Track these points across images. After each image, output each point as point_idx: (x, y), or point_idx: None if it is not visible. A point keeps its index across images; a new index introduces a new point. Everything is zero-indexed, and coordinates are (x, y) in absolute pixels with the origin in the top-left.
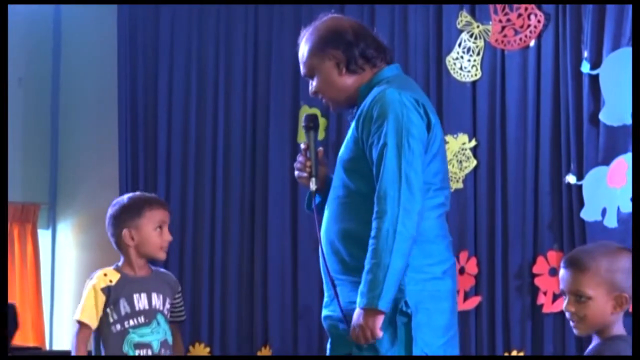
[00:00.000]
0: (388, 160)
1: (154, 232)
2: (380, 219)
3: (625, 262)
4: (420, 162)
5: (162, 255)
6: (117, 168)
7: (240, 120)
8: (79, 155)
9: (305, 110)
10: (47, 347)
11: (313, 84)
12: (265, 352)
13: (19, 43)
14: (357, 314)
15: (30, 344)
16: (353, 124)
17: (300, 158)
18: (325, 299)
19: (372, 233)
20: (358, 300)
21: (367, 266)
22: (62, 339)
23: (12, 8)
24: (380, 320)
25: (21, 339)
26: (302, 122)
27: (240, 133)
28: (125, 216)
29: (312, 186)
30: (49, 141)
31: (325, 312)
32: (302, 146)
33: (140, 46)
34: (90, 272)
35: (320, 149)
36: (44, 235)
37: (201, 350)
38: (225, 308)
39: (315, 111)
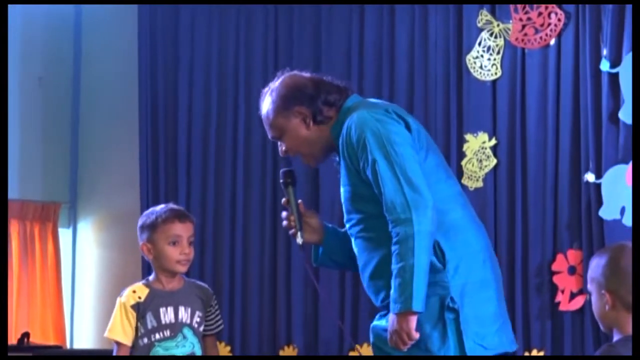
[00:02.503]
0: (382, 172)
1: (167, 246)
2: (396, 225)
3: (609, 260)
4: (413, 161)
5: (180, 269)
6: (138, 167)
7: (260, 117)
8: (99, 154)
9: None
10: (68, 346)
11: (283, 145)
12: (289, 351)
13: (39, 42)
14: (391, 320)
15: (51, 342)
16: (341, 158)
17: (284, 213)
18: (382, 312)
19: (393, 240)
20: (391, 306)
21: (394, 271)
22: (83, 338)
23: (32, 6)
24: (413, 321)
25: (42, 337)
26: (279, 178)
27: (261, 130)
28: (143, 230)
29: (299, 240)
30: (70, 140)
31: (375, 323)
32: (283, 201)
33: (161, 45)
34: (110, 271)
35: (300, 201)
36: (64, 234)
37: (222, 348)
38: (246, 307)
39: None
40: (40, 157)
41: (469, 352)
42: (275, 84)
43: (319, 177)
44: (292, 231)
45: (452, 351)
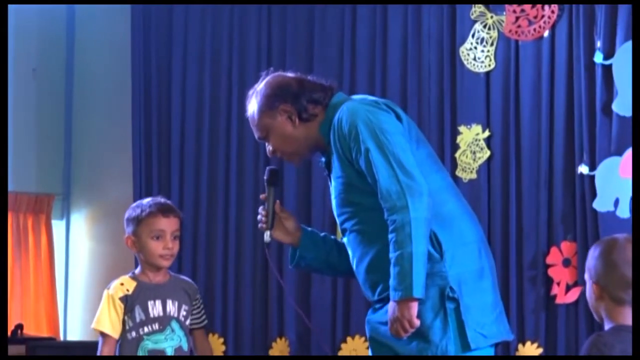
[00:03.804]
0: (376, 161)
1: (150, 240)
2: (393, 213)
3: (600, 252)
4: (406, 148)
5: (163, 263)
6: (131, 159)
7: None
8: (93, 146)
9: None
10: (61, 338)
11: (270, 145)
12: (281, 343)
13: (33, 33)
14: (391, 308)
15: (44, 334)
16: (333, 150)
17: (260, 209)
18: (376, 306)
19: (390, 228)
20: (391, 294)
21: (392, 259)
22: (76, 329)
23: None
24: (415, 308)
25: (35, 329)
26: (264, 175)
27: None
28: (128, 223)
29: (266, 238)
30: (63, 132)
31: (371, 316)
32: (262, 196)
33: (154, 39)
34: (104, 263)
35: (277, 201)
36: (58, 226)
37: (215, 340)
38: (239, 298)
39: None
40: (34, 149)
41: (471, 341)
42: (259, 85)
43: (311, 180)
44: (261, 225)
45: (453, 341)
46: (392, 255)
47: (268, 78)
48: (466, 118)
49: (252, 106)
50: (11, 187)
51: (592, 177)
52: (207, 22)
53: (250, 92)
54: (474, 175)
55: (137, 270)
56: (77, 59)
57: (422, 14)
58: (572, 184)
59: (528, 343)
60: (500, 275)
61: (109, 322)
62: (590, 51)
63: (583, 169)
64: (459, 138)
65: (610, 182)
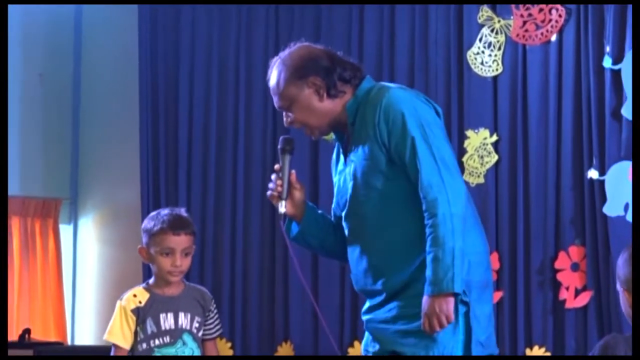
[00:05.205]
0: (420, 152)
1: (160, 256)
2: (433, 207)
3: (626, 259)
4: (447, 144)
5: (171, 279)
6: (139, 163)
7: (261, 115)
8: (100, 150)
9: None
10: (69, 342)
11: (290, 115)
12: (286, 347)
13: (40, 38)
14: (428, 303)
15: (52, 338)
16: (368, 132)
17: (273, 178)
18: (369, 304)
19: (428, 222)
20: (427, 289)
21: (430, 255)
22: (84, 334)
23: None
24: (452, 303)
25: (43, 333)
26: (278, 144)
27: (262, 128)
28: (143, 233)
29: (281, 209)
30: (70, 136)
31: (369, 317)
32: (276, 167)
33: (161, 42)
34: (111, 267)
35: (293, 171)
36: (65, 230)
37: (223, 345)
38: (246, 304)
39: None
40: (41, 153)
41: (473, 347)
42: (285, 54)
43: (319, 163)
44: (270, 193)
45: (460, 345)
46: (432, 248)
47: (297, 48)
48: (473, 122)
49: (278, 74)
50: (19, 191)
51: (601, 182)
52: (215, 23)
53: (274, 60)
54: (481, 180)
55: (151, 281)
56: (84, 63)
57: (429, 18)
58: (580, 188)
59: (536, 347)
60: (508, 280)
61: (120, 333)
62: (599, 55)
63: (593, 173)
64: (466, 142)
65: (620, 186)
